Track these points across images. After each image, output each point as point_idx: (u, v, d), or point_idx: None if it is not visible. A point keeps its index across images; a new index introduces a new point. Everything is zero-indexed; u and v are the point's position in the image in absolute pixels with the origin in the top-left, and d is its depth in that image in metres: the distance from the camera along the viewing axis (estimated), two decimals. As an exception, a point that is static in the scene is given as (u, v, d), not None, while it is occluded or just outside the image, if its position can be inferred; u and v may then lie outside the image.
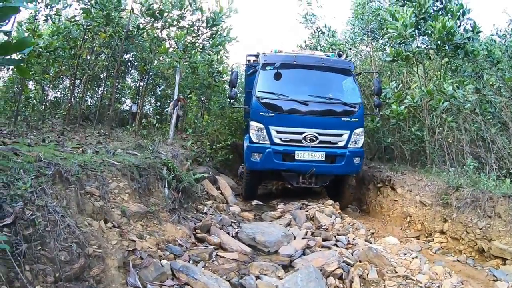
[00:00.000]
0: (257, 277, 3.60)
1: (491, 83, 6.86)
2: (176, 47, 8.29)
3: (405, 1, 7.60)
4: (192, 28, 8.70)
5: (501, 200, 4.39)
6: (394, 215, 6.58)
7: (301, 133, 6.72)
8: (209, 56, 8.57)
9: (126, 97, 13.54)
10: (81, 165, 3.63)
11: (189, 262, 3.75)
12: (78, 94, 10.29)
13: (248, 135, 7.21)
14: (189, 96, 10.39)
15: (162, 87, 11.97)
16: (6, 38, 5.24)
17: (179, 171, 5.69)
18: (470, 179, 5.23)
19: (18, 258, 2.19)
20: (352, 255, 4.05)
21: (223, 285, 3.37)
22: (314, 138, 6.71)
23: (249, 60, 8.63)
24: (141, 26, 8.65)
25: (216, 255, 4.20)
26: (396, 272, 3.43)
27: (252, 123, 6.91)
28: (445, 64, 7.55)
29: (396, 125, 8.12)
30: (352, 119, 6.87)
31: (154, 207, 4.52)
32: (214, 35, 8.76)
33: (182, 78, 8.74)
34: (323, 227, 5.63)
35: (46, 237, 2.49)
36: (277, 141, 6.78)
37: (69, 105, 8.85)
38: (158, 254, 3.64)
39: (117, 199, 3.98)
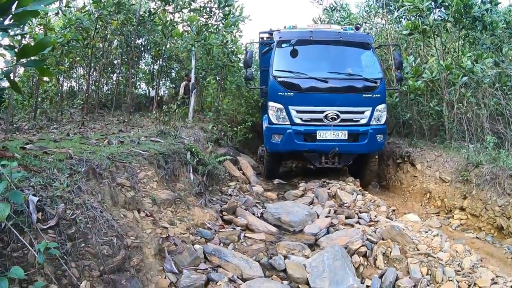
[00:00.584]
0: (285, 257, 3.84)
1: (511, 57, 6.81)
2: (189, 30, 8.38)
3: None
4: (204, 10, 8.76)
5: (521, 177, 4.49)
6: (414, 191, 6.73)
7: (322, 112, 6.63)
8: (223, 37, 8.64)
9: (141, 82, 13.74)
10: (109, 158, 3.80)
11: (219, 245, 3.97)
12: (95, 83, 10.54)
13: (266, 115, 7.14)
14: (204, 78, 10.52)
15: (177, 69, 12.10)
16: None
17: (203, 155, 5.90)
18: (489, 155, 5.33)
19: (64, 256, 2.34)
20: (375, 232, 4.23)
21: (253, 265, 3.62)
22: (336, 117, 6.63)
23: (262, 38, 8.51)
24: (152, 11, 8.76)
25: (244, 236, 4.42)
26: (418, 250, 3.63)
27: (271, 103, 6.82)
28: (463, 37, 7.50)
29: (414, 100, 8.13)
30: (374, 95, 6.75)
31: (181, 192, 4.77)
32: (227, 15, 8.81)
33: (197, 59, 8.86)
34: (345, 204, 5.83)
35: (88, 233, 2.64)
36: (297, 121, 6.70)
37: (87, 94, 9.08)
38: (190, 239, 3.85)
39: (147, 188, 4.17)
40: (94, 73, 10.67)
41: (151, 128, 6.97)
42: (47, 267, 2.22)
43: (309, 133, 6.69)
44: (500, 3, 6.94)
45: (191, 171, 5.51)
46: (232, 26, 8.84)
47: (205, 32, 8.19)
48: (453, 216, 5.42)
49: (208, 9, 8.79)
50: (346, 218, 5.18)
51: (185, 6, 8.66)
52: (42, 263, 2.07)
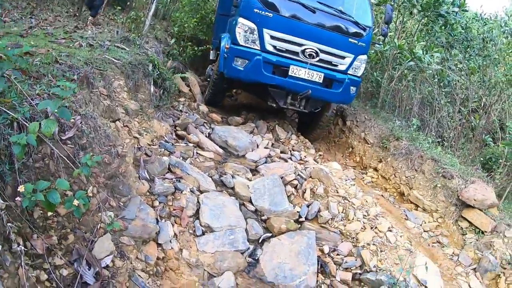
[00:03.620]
0: (232, 176, 4.72)
1: (455, 60, 8.01)
2: None
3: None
4: None
5: (429, 161, 5.79)
6: (339, 143, 7.88)
7: (300, 45, 6.03)
8: None
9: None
10: (88, 64, 3.98)
11: (180, 158, 4.61)
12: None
13: (227, 34, 6.49)
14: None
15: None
16: None
17: (163, 69, 6.20)
18: (410, 135, 6.62)
19: (79, 165, 2.60)
20: (305, 170, 5.18)
21: (208, 180, 4.41)
22: (315, 54, 6.08)
23: None
24: None
25: (197, 153, 5.10)
26: (338, 193, 4.73)
27: (241, 20, 5.93)
28: (423, 25, 8.54)
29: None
30: (359, 43, 6.32)
31: (143, 103, 5.20)
32: None
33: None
34: (280, 140, 6.77)
35: (92, 143, 2.98)
36: (269, 48, 6.00)
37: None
38: (157, 151, 4.42)
39: (120, 97, 4.43)
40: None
41: (106, 29, 6.92)
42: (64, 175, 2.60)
43: (280, 66, 6.06)
44: (467, 10, 7.99)
45: (151, 83, 5.75)
46: None
47: None
48: (366, 173, 6.72)
49: None
50: (281, 152, 6.07)
51: None
52: (88, 174, 2.49)
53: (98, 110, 3.66)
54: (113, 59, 4.74)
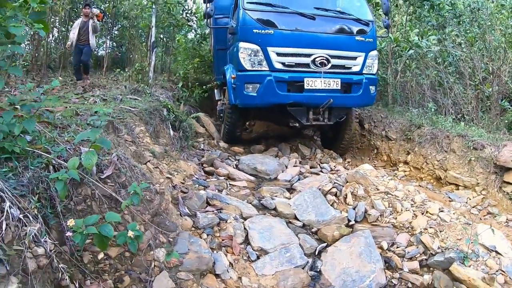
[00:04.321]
0: (271, 198, 4.77)
1: (452, 36, 8.17)
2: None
3: None
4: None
5: (456, 138, 5.79)
6: (362, 147, 7.94)
7: (309, 55, 5.83)
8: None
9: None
10: (108, 114, 4.12)
11: (215, 191, 4.71)
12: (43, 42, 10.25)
13: (230, 65, 6.37)
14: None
15: (126, 26, 12.06)
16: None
17: (178, 112, 6.51)
18: (430, 119, 6.65)
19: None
20: (340, 178, 5.23)
21: (248, 206, 4.45)
22: (326, 61, 5.87)
23: None
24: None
25: (229, 184, 5.21)
26: (378, 190, 4.73)
27: (243, 44, 5.78)
28: (411, 14, 8.75)
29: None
30: (366, 39, 6.15)
31: (166, 147, 5.41)
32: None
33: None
34: (306, 157, 6.88)
35: (130, 182, 2.97)
36: (278, 66, 5.78)
37: (36, 55, 8.92)
38: (192, 187, 4.56)
39: (144, 142, 4.66)
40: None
41: (114, 87, 7.29)
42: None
43: (294, 82, 5.84)
44: None
45: (170, 127, 6.10)
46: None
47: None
48: (398, 168, 6.71)
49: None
50: (311, 167, 6.19)
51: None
52: (138, 203, 2.51)
53: (127, 154, 3.75)
54: (130, 108, 5.00)
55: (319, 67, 5.86)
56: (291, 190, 5.25)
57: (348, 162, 6.90)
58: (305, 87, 5.82)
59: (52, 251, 2.06)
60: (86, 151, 2.36)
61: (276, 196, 4.90)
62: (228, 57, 6.90)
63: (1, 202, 1.95)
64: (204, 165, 5.80)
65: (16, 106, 2.71)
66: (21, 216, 1.99)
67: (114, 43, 13.28)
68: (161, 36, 11.27)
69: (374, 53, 6.31)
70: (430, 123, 6.53)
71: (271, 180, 5.67)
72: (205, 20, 6.65)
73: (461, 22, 8.28)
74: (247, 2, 5.91)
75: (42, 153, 2.45)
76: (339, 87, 5.96)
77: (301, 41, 5.83)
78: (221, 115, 7.47)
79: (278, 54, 5.79)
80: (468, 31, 8.06)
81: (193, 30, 10.98)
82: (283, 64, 5.82)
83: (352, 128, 6.98)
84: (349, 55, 6.09)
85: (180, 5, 9.12)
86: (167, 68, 11.32)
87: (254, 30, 5.72)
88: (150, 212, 3.17)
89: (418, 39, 7.56)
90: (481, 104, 7.44)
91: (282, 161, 6.37)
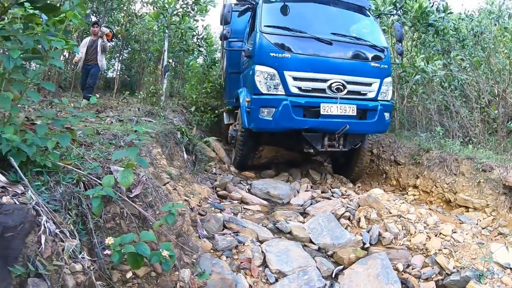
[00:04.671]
0: (286, 222, 4.90)
1: (457, 61, 8.42)
2: (155, 10, 8.87)
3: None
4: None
5: (464, 161, 5.94)
6: (371, 172, 8.08)
7: (325, 80, 5.83)
8: (196, 22, 9.36)
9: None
10: (126, 134, 4.26)
11: (231, 214, 4.83)
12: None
13: (244, 88, 6.42)
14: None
15: (138, 49, 12.47)
16: None
17: (191, 136, 6.69)
18: (438, 143, 6.82)
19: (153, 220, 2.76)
20: (352, 202, 5.36)
21: (264, 230, 4.55)
22: (342, 87, 5.88)
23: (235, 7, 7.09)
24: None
25: (243, 208, 5.33)
26: (391, 213, 4.84)
27: (259, 68, 5.78)
28: (416, 39, 9.04)
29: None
30: (382, 65, 6.18)
31: (180, 169, 5.57)
32: (198, 0, 9.45)
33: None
34: (317, 182, 7.03)
35: (156, 202, 3.08)
36: (294, 90, 5.78)
37: (48, 73, 9.21)
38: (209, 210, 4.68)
39: (161, 164, 4.76)
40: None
41: (126, 109, 7.45)
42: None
43: (311, 107, 5.82)
44: (452, 12, 8.54)
45: (184, 150, 6.27)
46: (203, 12, 9.53)
47: (182, 16, 8.81)
48: (407, 192, 6.82)
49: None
50: (322, 192, 6.34)
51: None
52: (173, 223, 2.62)
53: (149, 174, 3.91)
54: (147, 130, 5.08)
55: (335, 92, 5.87)
56: (304, 214, 5.36)
57: (358, 187, 7.04)
58: (321, 112, 5.80)
59: (90, 268, 2.13)
60: (123, 169, 2.47)
61: (290, 220, 5.01)
62: (241, 80, 6.98)
63: (37, 216, 1.99)
64: (217, 188, 5.92)
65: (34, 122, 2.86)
66: (57, 231, 2.05)
67: (123, 66, 13.62)
68: (170, 60, 11.55)
69: (388, 79, 6.36)
70: (438, 147, 6.69)
71: (283, 204, 5.80)
72: (221, 42, 6.61)
73: (465, 46, 8.53)
74: (264, 26, 5.94)
75: (73, 168, 2.54)
76: (354, 113, 5.96)
77: (318, 66, 5.84)
78: (232, 140, 7.46)
79: (295, 79, 5.79)
80: (472, 55, 8.30)
81: (202, 55, 11.30)
82: (299, 88, 5.82)
83: (365, 155, 6.99)
84: (364, 81, 6.11)
85: (191, 30, 9.41)
86: (175, 92, 11.55)
87: (271, 54, 5.73)
88: (174, 233, 3.26)
89: (424, 64, 7.78)
90: (488, 127, 7.63)
91: (294, 186, 6.51)
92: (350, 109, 5.91)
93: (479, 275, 3.32)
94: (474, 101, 7.60)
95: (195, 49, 10.44)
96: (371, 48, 6.22)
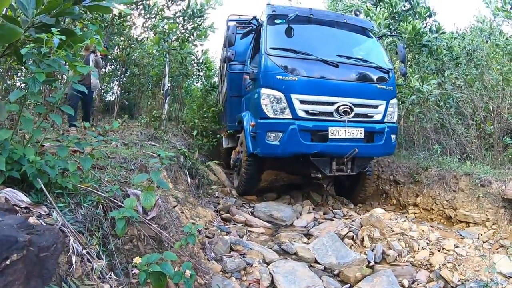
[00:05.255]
0: (291, 243, 5.01)
1: (452, 79, 8.71)
2: (155, 35, 9.16)
3: (378, 1, 9.25)
4: (177, 19, 9.64)
5: (463, 177, 6.14)
6: (371, 193, 8.24)
7: (332, 103, 5.78)
8: (195, 47, 9.66)
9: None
10: (134, 158, 4.53)
11: (237, 237, 4.94)
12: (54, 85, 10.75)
13: (247, 112, 6.34)
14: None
15: (128, 73, 12.68)
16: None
17: (194, 160, 6.85)
18: (436, 161, 7.03)
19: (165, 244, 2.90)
20: (354, 222, 5.51)
21: (270, 251, 4.68)
22: (349, 110, 5.84)
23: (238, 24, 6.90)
24: (123, 13, 9.35)
25: (248, 230, 5.46)
26: (393, 231, 4.99)
27: (265, 90, 5.68)
28: (411, 60, 9.35)
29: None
30: (387, 87, 6.17)
31: (184, 193, 5.70)
32: (198, 26, 9.77)
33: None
34: (318, 203, 7.18)
35: (170, 224, 3.25)
36: (302, 114, 5.70)
37: (49, 95, 9.38)
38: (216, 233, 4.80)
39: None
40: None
41: (127, 133, 7.61)
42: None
43: (318, 131, 5.75)
44: (445, 32, 8.89)
45: (187, 174, 6.42)
46: (203, 37, 9.84)
47: (183, 41, 9.08)
48: (407, 211, 6.97)
49: (181, 18, 9.64)
50: (324, 214, 6.46)
51: (158, 13, 9.46)
52: (194, 243, 2.75)
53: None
54: (153, 154, 5.23)
55: (342, 115, 5.83)
56: (308, 235, 5.49)
57: (359, 207, 7.16)
58: (329, 136, 5.74)
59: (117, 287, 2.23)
60: (144, 192, 2.61)
61: (294, 241, 5.13)
62: (243, 104, 6.95)
63: (65, 237, 2.06)
64: (221, 212, 6.05)
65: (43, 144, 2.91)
66: (84, 252, 2.14)
67: (122, 90, 13.80)
68: (169, 84, 11.79)
69: (394, 101, 6.36)
70: (436, 165, 6.89)
71: (287, 226, 5.93)
72: (220, 65, 6.41)
73: (458, 64, 8.83)
74: (270, 48, 5.86)
75: (93, 190, 2.67)
76: (362, 136, 5.93)
77: (325, 88, 5.79)
78: (236, 164, 7.29)
79: (302, 102, 5.73)
80: (466, 73, 8.59)
81: (200, 80, 11.58)
82: (307, 112, 5.75)
83: (371, 177, 6.93)
84: (371, 104, 6.09)
85: (190, 54, 9.69)
86: (173, 116, 11.75)
87: (278, 76, 5.65)
88: (186, 254, 3.37)
89: (419, 84, 8.04)
90: (484, 142, 7.86)
91: (296, 208, 6.64)
92: (358, 132, 5.89)
93: (484, 285, 3.46)
94: (469, 118, 7.85)
95: (194, 74, 10.71)
96: (377, 70, 6.25)
